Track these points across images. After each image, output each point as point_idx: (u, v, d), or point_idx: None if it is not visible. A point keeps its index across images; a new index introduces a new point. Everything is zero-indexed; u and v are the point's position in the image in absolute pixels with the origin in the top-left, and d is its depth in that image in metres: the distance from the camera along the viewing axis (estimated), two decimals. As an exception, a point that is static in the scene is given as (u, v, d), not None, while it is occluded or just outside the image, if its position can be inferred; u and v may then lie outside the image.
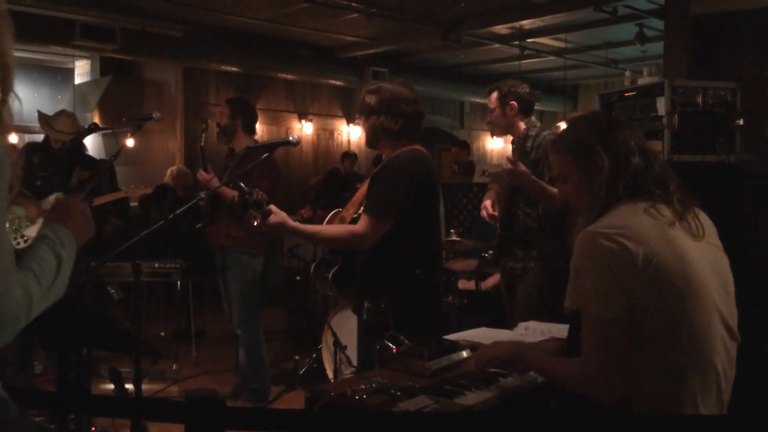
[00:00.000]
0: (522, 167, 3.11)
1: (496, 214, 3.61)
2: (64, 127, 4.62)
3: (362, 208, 2.76)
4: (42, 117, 4.73)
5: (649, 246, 1.66)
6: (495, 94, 3.52)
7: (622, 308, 1.63)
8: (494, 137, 10.95)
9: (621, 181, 1.76)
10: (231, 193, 3.86)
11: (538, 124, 3.55)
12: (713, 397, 1.69)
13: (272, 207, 2.52)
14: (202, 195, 3.26)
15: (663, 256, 1.66)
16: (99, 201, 4.47)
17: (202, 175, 4.11)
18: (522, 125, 3.44)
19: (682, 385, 1.66)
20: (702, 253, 1.73)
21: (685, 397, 1.65)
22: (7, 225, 4.62)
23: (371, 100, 2.76)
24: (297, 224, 2.66)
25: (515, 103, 3.46)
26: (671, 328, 1.64)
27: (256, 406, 4.09)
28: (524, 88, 3.52)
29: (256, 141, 4.32)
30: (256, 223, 2.50)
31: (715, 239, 1.82)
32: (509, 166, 3.13)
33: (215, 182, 3.95)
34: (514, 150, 3.29)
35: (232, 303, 4.20)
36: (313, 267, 3.10)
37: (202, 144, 4.33)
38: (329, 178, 8.15)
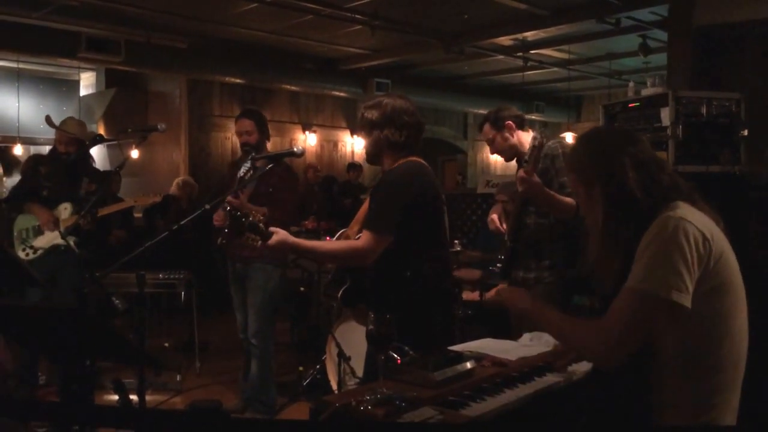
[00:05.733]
0: (536, 178, 3.06)
1: (503, 226, 3.61)
2: (72, 128, 4.62)
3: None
4: (49, 119, 4.74)
5: (717, 241, 1.67)
6: (487, 125, 3.50)
7: (683, 296, 1.59)
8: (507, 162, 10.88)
9: (654, 189, 1.74)
10: (261, 210, 3.81)
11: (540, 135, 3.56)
12: (736, 405, 1.69)
13: (272, 228, 2.51)
14: (207, 207, 3.25)
15: (727, 253, 1.68)
16: (104, 211, 4.46)
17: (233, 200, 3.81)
18: (525, 139, 3.43)
19: (720, 395, 1.65)
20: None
21: (724, 408, 1.65)
22: (15, 236, 4.59)
23: (372, 114, 2.71)
24: (297, 240, 2.62)
25: (510, 122, 3.44)
26: (715, 327, 1.65)
27: (265, 417, 4.07)
28: (508, 108, 3.53)
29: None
30: (259, 244, 2.52)
31: None
32: (523, 174, 3.05)
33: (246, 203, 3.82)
34: (528, 159, 3.09)
35: (248, 313, 4.15)
36: (323, 286, 3.07)
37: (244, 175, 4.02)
38: (325, 187, 8.19)
